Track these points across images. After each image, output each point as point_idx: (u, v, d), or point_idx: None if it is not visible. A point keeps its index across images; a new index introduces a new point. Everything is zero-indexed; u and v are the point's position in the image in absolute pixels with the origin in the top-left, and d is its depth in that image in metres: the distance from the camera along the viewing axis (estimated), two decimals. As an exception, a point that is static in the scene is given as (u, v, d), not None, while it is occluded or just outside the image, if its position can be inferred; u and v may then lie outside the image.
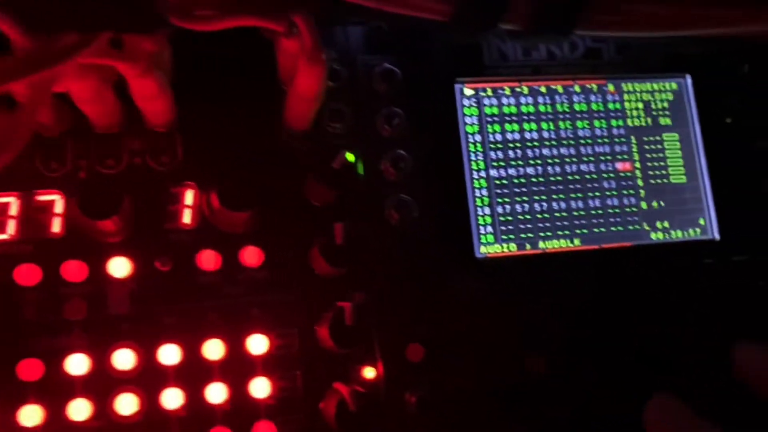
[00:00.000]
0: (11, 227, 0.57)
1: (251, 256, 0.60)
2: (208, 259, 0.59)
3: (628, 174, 0.69)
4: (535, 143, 0.68)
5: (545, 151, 0.68)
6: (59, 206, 0.58)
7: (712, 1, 0.57)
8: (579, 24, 0.56)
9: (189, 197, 0.59)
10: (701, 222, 0.71)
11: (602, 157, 0.70)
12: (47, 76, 0.44)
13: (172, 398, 0.56)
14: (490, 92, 0.68)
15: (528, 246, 0.66)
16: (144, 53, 0.48)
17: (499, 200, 0.66)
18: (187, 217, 0.59)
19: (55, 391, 0.55)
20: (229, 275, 0.59)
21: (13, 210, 0.57)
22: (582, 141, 0.69)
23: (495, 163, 0.67)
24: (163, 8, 0.45)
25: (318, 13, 0.51)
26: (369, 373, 0.60)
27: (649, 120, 0.72)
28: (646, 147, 0.71)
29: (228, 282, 0.59)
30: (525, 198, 0.67)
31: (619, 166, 0.69)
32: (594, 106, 0.70)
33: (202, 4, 0.47)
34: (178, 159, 0.60)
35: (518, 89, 0.69)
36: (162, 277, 0.58)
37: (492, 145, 0.67)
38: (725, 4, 0.58)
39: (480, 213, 0.66)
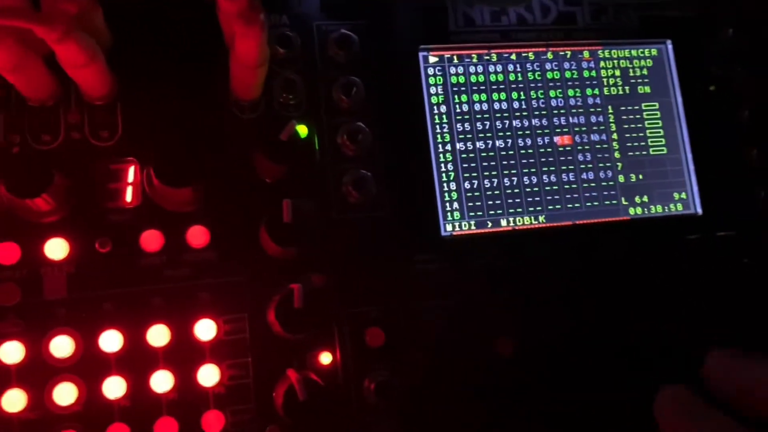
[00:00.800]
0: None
1: (197, 235, 0.56)
2: (151, 240, 0.55)
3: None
4: (505, 114, 0.64)
5: (515, 123, 0.64)
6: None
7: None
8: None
9: (130, 174, 0.56)
10: (683, 196, 0.67)
11: (576, 129, 0.65)
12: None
13: (114, 387, 0.53)
14: (456, 60, 0.64)
15: (497, 223, 0.62)
16: (63, 14, 0.44)
17: (466, 175, 0.62)
18: (128, 196, 0.56)
19: (-13, 381, 0.52)
20: (174, 256, 0.56)
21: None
22: (555, 112, 0.65)
23: (461, 136, 0.63)
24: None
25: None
26: (325, 358, 0.57)
27: (627, 88, 0.67)
28: (624, 117, 0.67)
29: (173, 264, 0.56)
30: (494, 172, 0.63)
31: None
32: (568, 75, 0.66)
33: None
34: (118, 133, 0.56)
35: (486, 57, 0.65)
36: (102, 259, 0.54)
37: (458, 117, 0.63)
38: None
39: (445, 189, 0.62)
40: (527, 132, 0.64)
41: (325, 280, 0.58)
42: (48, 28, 0.44)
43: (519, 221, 0.63)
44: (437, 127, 0.63)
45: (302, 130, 0.58)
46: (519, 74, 0.65)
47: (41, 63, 0.51)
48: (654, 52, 0.69)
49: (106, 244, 0.54)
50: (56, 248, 0.54)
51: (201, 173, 0.52)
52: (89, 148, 0.56)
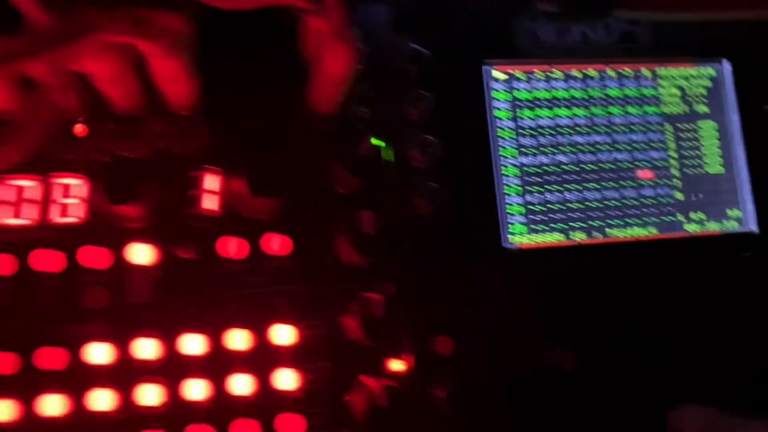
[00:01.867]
0: (31, 211, 0.55)
1: (276, 243, 0.58)
2: (232, 247, 0.57)
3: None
4: (568, 130, 0.66)
5: (578, 138, 0.66)
6: (80, 190, 0.56)
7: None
8: (618, 4, 0.54)
9: (214, 183, 0.58)
10: (739, 214, 0.68)
11: (636, 146, 0.67)
12: (67, 55, 0.42)
13: (195, 389, 0.55)
14: (521, 75, 0.66)
15: (560, 237, 0.64)
16: (169, 32, 0.46)
17: (530, 189, 0.64)
18: (211, 203, 0.57)
19: (76, 380, 0.53)
20: (254, 263, 0.57)
21: (33, 194, 0.56)
22: (616, 128, 0.67)
23: (526, 150, 0.65)
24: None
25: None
26: (396, 366, 0.59)
27: (686, 107, 0.69)
28: (682, 135, 0.69)
29: (252, 270, 0.57)
30: (557, 187, 0.65)
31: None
32: (628, 92, 0.68)
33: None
34: (202, 143, 0.58)
35: (551, 73, 0.66)
36: (186, 265, 0.56)
37: (523, 131, 0.65)
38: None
39: (509, 202, 0.64)
40: (590, 148, 0.66)
41: (395, 289, 0.60)
42: (153, 43, 0.46)
43: (581, 235, 0.64)
44: (502, 141, 0.64)
45: (378, 143, 0.60)
46: (582, 91, 0.67)
47: (135, 75, 0.53)
48: (712, 71, 0.70)
49: (189, 251, 0.56)
50: (142, 254, 0.56)
51: (287, 184, 0.53)
52: (174, 157, 0.58)
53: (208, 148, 0.58)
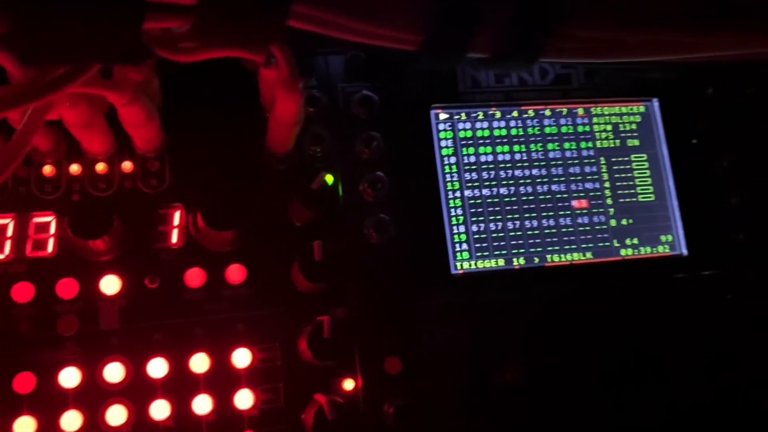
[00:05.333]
0: (7, 247, 0.60)
1: (235, 273, 0.63)
2: (195, 277, 0.62)
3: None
4: (508, 165, 0.72)
5: (517, 173, 0.72)
6: (53, 227, 0.61)
7: (669, 28, 0.61)
8: (544, 52, 0.60)
9: (176, 218, 0.63)
10: (669, 238, 0.74)
11: (572, 178, 0.73)
12: (41, 105, 0.48)
13: (160, 410, 0.59)
14: (464, 116, 0.72)
15: (502, 263, 0.69)
16: (131, 82, 0.52)
17: (474, 219, 0.70)
18: (174, 237, 0.63)
19: (48, 403, 0.58)
20: (215, 292, 0.62)
21: (9, 231, 0.61)
22: (552, 162, 0.73)
23: (469, 184, 0.70)
24: (149, 40, 0.49)
25: (291, 43, 0.55)
26: (348, 384, 0.63)
27: (618, 141, 0.75)
28: (615, 168, 0.74)
29: (213, 298, 0.62)
30: (498, 217, 0.70)
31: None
32: (564, 129, 0.74)
33: (185, 37, 0.50)
34: (166, 182, 0.63)
35: (491, 114, 0.72)
36: (150, 294, 0.61)
37: (466, 167, 0.71)
38: (681, 29, 0.61)
39: (455, 231, 0.69)
40: (528, 181, 0.72)
41: (348, 313, 0.64)
42: (118, 93, 0.52)
43: (522, 261, 0.69)
44: (447, 176, 0.70)
45: (329, 178, 0.65)
46: (520, 129, 0.73)
47: (104, 121, 0.58)
48: (642, 108, 0.76)
49: (154, 281, 0.61)
50: (110, 284, 0.61)
51: (243, 218, 0.59)
52: (140, 195, 0.63)
53: (171, 187, 0.63)
